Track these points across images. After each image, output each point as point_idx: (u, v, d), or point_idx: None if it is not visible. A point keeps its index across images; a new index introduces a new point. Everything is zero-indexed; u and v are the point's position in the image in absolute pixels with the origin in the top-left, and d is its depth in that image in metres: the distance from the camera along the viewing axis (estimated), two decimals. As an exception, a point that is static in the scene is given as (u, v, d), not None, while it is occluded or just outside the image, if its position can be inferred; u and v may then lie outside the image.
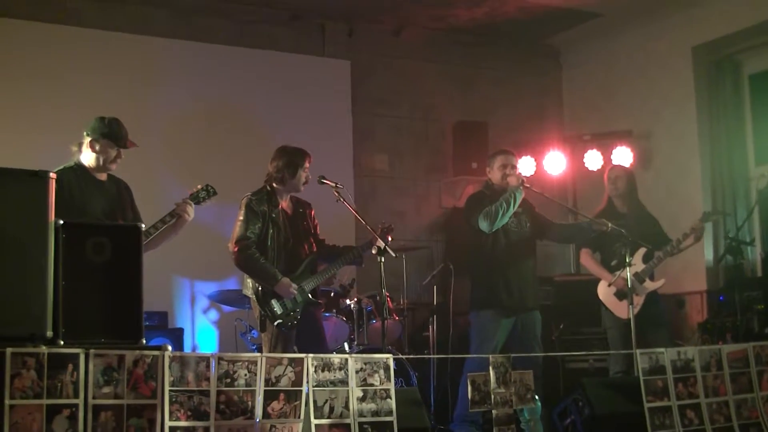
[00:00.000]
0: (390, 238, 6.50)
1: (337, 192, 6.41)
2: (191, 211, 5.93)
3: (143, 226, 4.69)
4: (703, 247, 9.09)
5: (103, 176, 5.83)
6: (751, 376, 5.87)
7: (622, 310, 7.27)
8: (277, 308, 6.38)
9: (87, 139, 5.76)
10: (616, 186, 7.62)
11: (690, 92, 9.54)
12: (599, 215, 7.32)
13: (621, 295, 7.28)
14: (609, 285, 7.33)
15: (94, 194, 5.71)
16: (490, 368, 5.39)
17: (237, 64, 9.28)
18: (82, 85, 8.44)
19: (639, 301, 7.09)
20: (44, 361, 4.02)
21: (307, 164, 6.59)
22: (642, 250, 7.30)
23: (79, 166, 5.78)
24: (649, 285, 7.33)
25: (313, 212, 6.82)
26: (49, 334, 4.08)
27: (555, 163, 10.08)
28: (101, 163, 5.76)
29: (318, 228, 6.82)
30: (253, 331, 7.54)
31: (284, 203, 6.64)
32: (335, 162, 9.01)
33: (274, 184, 6.59)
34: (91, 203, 5.66)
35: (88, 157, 5.78)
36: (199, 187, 6.11)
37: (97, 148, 5.74)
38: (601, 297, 7.46)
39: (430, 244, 9.89)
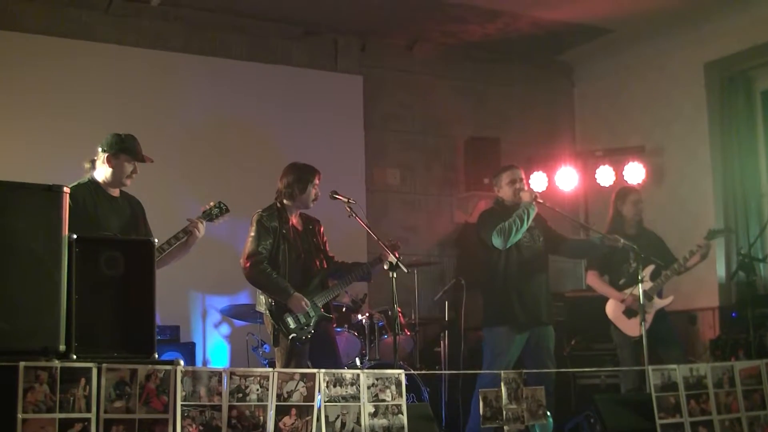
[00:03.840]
0: (397, 255, 6.45)
1: (349, 207, 6.43)
2: (202, 228, 5.92)
3: (156, 240, 4.70)
4: (716, 264, 9.08)
5: (116, 192, 5.84)
6: (763, 393, 5.85)
7: (630, 328, 7.26)
8: (291, 323, 6.39)
9: (103, 155, 5.76)
10: (638, 210, 7.61)
11: (702, 108, 9.54)
12: (606, 234, 7.30)
13: (630, 313, 7.27)
14: (622, 302, 7.32)
15: (108, 211, 5.72)
16: (502, 384, 5.38)
17: (250, 79, 9.31)
18: (96, 99, 8.48)
19: (648, 318, 7.06)
20: (57, 375, 4.03)
21: (317, 180, 6.61)
22: (650, 268, 7.27)
23: (93, 183, 5.78)
24: (658, 302, 7.32)
25: (322, 229, 6.84)
26: (62, 348, 4.08)
27: (567, 178, 10.06)
28: (117, 178, 5.77)
29: (327, 244, 6.83)
30: (264, 346, 7.55)
31: (294, 219, 6.66)
32: (347, 177, 9.02)
33: (285, 201, 6.62)
34: (106, 220, 5.67)
35: (102, 173, 5.78)
36: (212, 204, 6.10)
37: (114, 163, 5.74)
38: (609, 315, 7.45)
39: (442, 259, 9.88)
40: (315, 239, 6.75)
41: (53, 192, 4.19)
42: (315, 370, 4.75)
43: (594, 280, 7.60)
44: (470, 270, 8.82)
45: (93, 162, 5.83)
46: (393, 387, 4.96)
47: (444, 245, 10.20)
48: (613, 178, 9.80)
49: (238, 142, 9.13)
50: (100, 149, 5.79)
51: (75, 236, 4.24)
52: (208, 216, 6.06)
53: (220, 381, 4.46)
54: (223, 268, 8.07)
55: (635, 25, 9.59)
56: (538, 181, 9.90)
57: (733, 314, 8.53)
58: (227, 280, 8.32)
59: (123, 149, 5.74)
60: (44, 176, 4.60)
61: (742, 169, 9.37)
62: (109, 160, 5.75)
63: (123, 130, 5.89)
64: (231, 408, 4.45)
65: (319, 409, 4.67)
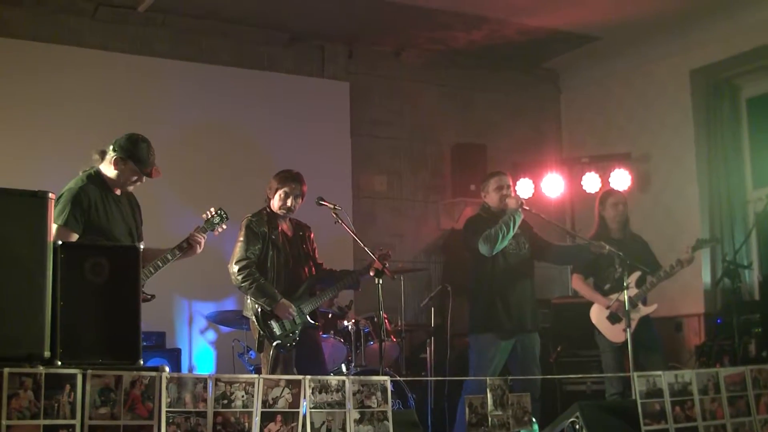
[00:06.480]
0: (387, 264, 6.42)
1: (336, 213, 6.42)
2: (203, 243, 5.82)
3: (142, 246, 4.68)
4: (701, 270, 9.12)
5: (118, 190, 5.63)
6: (748, 400, 5.86)
7: (614, 333, 7.26)
8: (277, 329, 6.38)
9: (112, 155, 5.52)
10: (618, 211, 7.58)
11: (688, 115, 9.58)
12: (592, 240, 7.30)
13: (614, 318, 7.27)
14: (607, 308, 7.32)
15: (115, 214, 5.55)
16: (488, 390, 5.38)
17: (237, 85, 9.31)
18: (82, 105, 8.46)
19: (631, 325, 7.06)
20: (41, 382, 4.01)
21: (286, 188, 6.55)
22: (636, 275, 7.28)
23: (99, 177, 5.56)
24: (642, 310, 7.32)
25: (312, 235, 6.83)
26: (47, 354, 4.06)
27: (553, 185, 10.09)
28: (120, 183, 5.58)
29: (316, 251, 6.82)
30: (250, 352, 7.54)
31: (284, 225, 6.65)
32: (334, 183, 9.03)
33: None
34: (115, 225, 5.52)
35: (108, 172, 5.56)
36: (213, 211, 5.95)
37: (120, 167, 5.53)
38: (593, 321, 7.45)
39: (429, 265, 9.89)
40: (305, 245, 6.74)
41: (39, 198, 4.17)
42: (300, 377, 4.74)
43: (579, 284, 7.59)
44: (456, 276, 8.83)
45: (102, 154, 5.59)
46: (379, 393, 4.95)
47: (430, 251, 10.21)
48: (599, 185, 9.82)
49: (225, 148, 9.12)
50: (111, 147, 5.55)
51: (60, 242, 4.23)
52: (211, 226, 5.92)
53: (205, 387, 4.44)
54: (210, 274, 8.03)
55: (622, 33, 9.62)
56: (524, 188, 9.92)
57: (719, 321, 8.56)
58: (213, 286, 8.31)
59: (132, 156, 5.53)
60: (30, 182, 4.59)
61: (728, 176, 9.42)
62: (116, 163, 5.52)
63: (108, 135, 5.73)
64: (216, 414, 4.43)
65: (304, 416, 4.67)
